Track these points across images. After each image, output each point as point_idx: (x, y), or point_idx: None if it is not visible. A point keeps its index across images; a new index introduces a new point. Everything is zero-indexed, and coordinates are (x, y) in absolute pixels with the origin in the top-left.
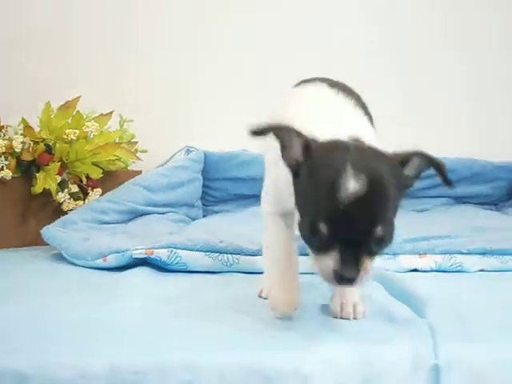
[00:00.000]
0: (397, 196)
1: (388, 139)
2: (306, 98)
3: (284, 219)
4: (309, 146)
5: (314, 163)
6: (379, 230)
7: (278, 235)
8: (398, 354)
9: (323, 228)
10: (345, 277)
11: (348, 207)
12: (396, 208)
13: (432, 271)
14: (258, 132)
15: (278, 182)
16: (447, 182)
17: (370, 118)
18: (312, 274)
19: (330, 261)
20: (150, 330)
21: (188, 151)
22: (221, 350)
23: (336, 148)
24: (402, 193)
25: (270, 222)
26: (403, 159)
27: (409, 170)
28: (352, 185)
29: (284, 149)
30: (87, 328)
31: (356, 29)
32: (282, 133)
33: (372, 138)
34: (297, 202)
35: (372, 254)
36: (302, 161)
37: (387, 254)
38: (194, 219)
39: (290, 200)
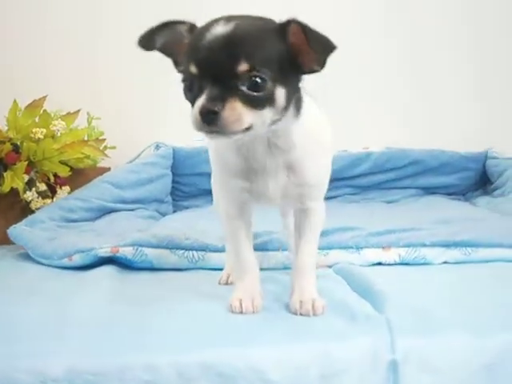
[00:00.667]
0: (273, 49)
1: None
2: None
3: (239, 215)
4: (193, 26)
5: (195, 32)
6: (244, 66)
7: (235, 234)
8: (356, 350)
9: (192, 68)
10: (207, 108)
11: (211, 44)
12: (272, 60)
13: (396, 264)
14: (147, 38)
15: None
16: (313, 56)
17: None
18: (274, 269)
19: (200, 101)
20: (108, 330)
21: (157, 147)
22: (179, 349)
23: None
24: (289, 59)
25: (226, 223)
26: (281, 26)
27: (292, 37)
28: (217, 28)
29: (173, 54)
30: (46, 329)
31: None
32: (168, 30)
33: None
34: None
35: (246, 98)
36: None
37: (351, 247)
38: (164, 215)
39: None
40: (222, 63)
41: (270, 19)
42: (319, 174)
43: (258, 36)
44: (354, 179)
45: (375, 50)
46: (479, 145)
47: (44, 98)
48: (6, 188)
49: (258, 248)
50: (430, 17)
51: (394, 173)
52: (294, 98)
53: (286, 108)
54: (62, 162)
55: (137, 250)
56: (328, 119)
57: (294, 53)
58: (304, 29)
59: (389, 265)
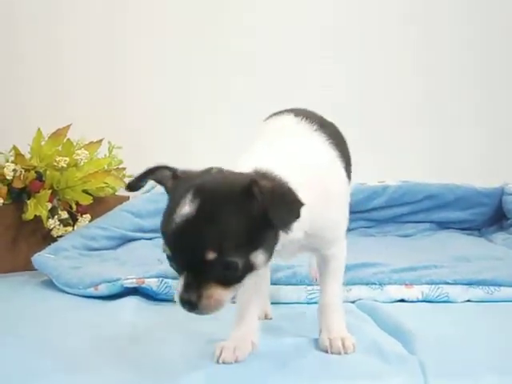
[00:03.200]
0: (240, 223)
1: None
2: (262, 130)
3: None
4: (176, 176)
5: (171, 190)
6: (212, 255)
7: None
8: None
9: (167, 250)
10: (184, 299)
11: (179, 230)
12: (242, 239)
13: (418, 301)
14: (134, 183)
15: None
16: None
17: (337, 143)
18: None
19: (178, 285)
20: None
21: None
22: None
23: (185, 179)
24: (255, 219)
25: None
26: (245, 191)
27: (258, 197)
28: (183, 209)
29: (165, 189)
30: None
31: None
32: (156, 175)
33: (307, 162)
34: None
35: (225, 279)
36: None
37: (374, 284)
38: None
39: None
40: (190, 252)
41: (236, 176)
42: (329, 227)
43: (223, 216)
44: (369, 212)
45: (392, 85)
46: (494, 179)
47: (68, 126)
48: (29, 216)
49: (281, 282)
50: (448, 59)
51: (409, 207)
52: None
53: (268, 259)
54: (84, 191)
55: (161, 281)
56: (335, 162)
57: (263, 210)
58: (265, 196)
59: (411, 302)
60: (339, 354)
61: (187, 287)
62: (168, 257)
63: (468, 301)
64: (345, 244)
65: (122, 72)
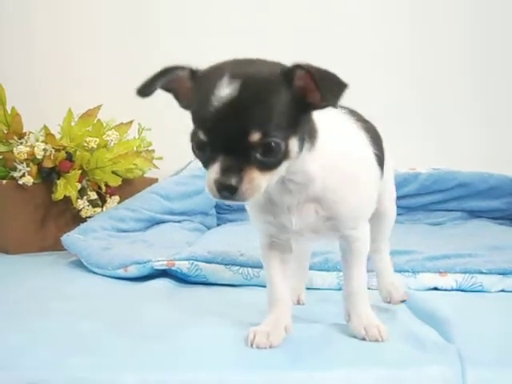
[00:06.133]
0: (280, 106)
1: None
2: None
3: (272, 246)
4: (194, 71)
5: (198, 83)
6: (256, 135)
7: (267, 264)
8: (428, 378)
9: (201, 135)
10: (225, 184)
11: (219, 112)
12: (281, 120)
13: (452, 290)
14: (145, 88)
15: None
16: (323, 98)
17: (371, 136)
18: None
19: (213, 171)
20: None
21: None
22: (240, 367)
23: (216, 66)
24: (296, 108)
25: (261, 251)
26: (286, 74)
27: (299, 82)
28: (223, 90)
29: (174, 92)
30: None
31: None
32: (166, 77)
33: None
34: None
35: (262, 164)
36: (191, 88)
37: (408, 271)
38: (208, 227)
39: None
40: (232, 134)
41: (274, 63)
42: (351, 205)
43: (266, 96)
44: (400, 199)
45: (424, 73)
46: None
47: (98, 107)
48: (59, 196)
49: (315, 267)
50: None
51: (441, 195)
52: (306, 134)
53: (300, 150)
54: (113, 172)
55: (192, 264)
56: (365, 142)
57: (302, 95)
58: (311, 73)
59: (445, 290)
60: (376, 341)
61: (226, 171)
62: (199, 144)
63: (502, 290)
64: (367, 228)
65: (152, 54)
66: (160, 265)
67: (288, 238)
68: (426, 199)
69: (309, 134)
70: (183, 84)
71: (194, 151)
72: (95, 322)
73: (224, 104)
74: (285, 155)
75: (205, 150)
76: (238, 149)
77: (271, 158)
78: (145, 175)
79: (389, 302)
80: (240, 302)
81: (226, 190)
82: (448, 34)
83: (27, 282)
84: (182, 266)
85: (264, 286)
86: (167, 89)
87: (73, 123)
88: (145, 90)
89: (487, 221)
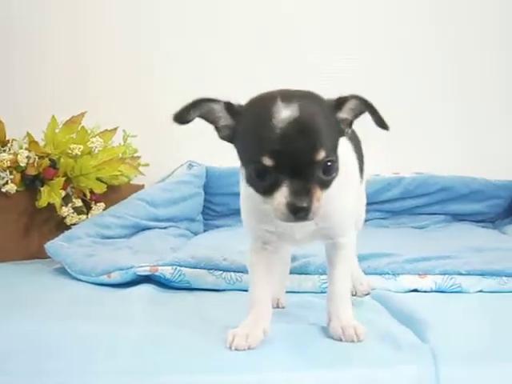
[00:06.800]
0: (332, 128)
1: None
2: None
3: (263, 249)
4: (230, 105)
5: (245, 114)
6: (322, 154)
7: (253, 268)
8: (402, 378)
9: (266, 161)
10: (298, 206)
11: (285, 133)
12: (334, 141)
13: (432, 292)
14: (180, 115)
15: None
16: (382, 125)
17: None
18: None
19: (282, 195)
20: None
21: (190, 166)
22: (222, 370)
23: (263, 96)
24: (339, 132)
25: (249, 253)
26: (339, 101)
27: (346, 112)
28: (284, 112)
29: (214, 123)
30: (98, 347)
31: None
32: (201, 107)
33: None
34: (240, 159)
35: (322, 183)
36: (232, 121)
37: (388, 273)
38: (195, 233)
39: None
40: (302, 153)
41: (319, 95)
42: (346, 213)
43: (324, 120)
44: (384, 204)
45: (407, 77)
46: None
47: (82, 114)
48: (42, 203)
49: (295, 271)
50: (469, 44)
51: (424, 198)
52: None
53: None
54: (98, 179)
55: (175, 269)
56: (350, 149)
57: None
58: (365, 104)
59: (424, 292)
60: (352, 341)
61: (296, 193)
62: (260, 171)
63: (480, 291)
64: (354, 235)
65: (138, 61)
66: (143, 270)
67: (284, 245)
68: (410, 203)
69: None
70: (219, 116)
71: (251, 181)
72: (78, 326)
73: (289, 124)
74: (336, 174)
75: (267, 175)
76: (304, 169)
77: (329, 176)
78: (131, 182)
79: (354, 295)
80: (222, 306)
81: (300, 211)
82: (415, 37)
83: (11, 289)
84: (165, 272)
85: (247, 291)
86: (205, 119)
87: (57, 130)
88: (181, 118)
89: (470, 224)
